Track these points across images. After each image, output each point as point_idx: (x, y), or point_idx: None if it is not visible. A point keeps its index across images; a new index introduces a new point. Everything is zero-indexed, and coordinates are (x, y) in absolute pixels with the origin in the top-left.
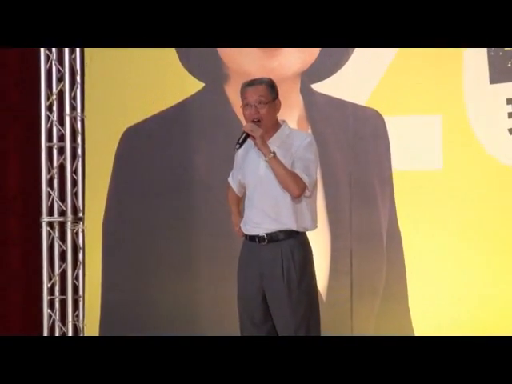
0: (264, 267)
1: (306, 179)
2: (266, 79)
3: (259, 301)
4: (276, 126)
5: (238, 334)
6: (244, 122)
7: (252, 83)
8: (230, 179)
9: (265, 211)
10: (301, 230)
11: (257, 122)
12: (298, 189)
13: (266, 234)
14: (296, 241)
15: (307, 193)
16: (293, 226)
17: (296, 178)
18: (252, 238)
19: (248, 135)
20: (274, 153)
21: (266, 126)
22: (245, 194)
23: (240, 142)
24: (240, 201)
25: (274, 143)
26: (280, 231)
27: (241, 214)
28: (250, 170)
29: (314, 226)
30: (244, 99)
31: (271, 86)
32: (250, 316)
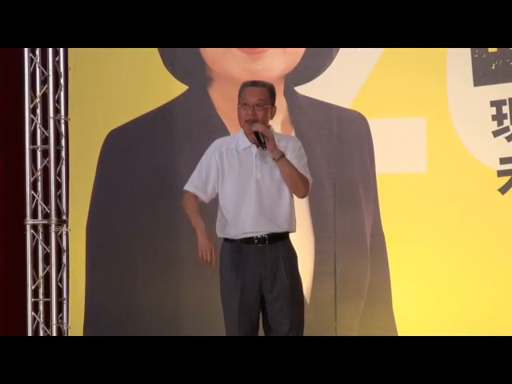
0: (264, 269)
1: (309, 179)
2: (269, 83)
3: (257, 305)
4: None
5: (220, 335)
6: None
7: (254, 84)
8: (191, 188)
9: (263, 214)
10: (290, 230)
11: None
12: (305, 188)
13: (267, 235)
14: (289, 242)
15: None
16: (288, 228)
17: (304, 177)
18: (249, 241)
19: (263, 135)
20: (283, 153)
21: None
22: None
23: (262, 142)
24: (200, 209)
25: None
26: (278, 233)
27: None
28: (244, 174)
29: (295, 227)
30: (242, 98)
31: (272, 92)
32: (248, 321)
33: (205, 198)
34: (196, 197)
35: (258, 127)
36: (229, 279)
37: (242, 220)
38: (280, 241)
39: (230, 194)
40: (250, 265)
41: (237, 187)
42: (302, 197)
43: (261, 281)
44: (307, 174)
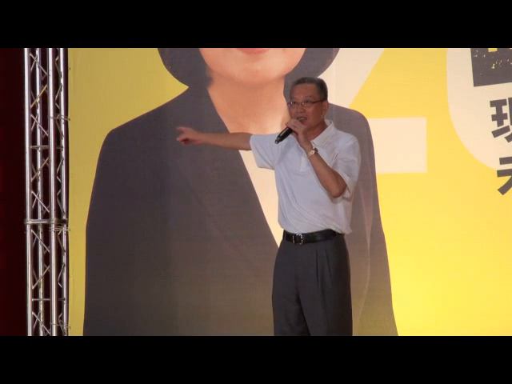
0: (298, 268)
1: (346, 179)
2: (316, 79)
3: (293, 301)
4: (322, 126)
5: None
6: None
7: (302, 81)
8: (252, 138)
9: (303, 212)
10: (338, 231)
11: (302, 120)
12: (337, 187)
13: (303, 234)
14: (332, 242)
15: (347, 193)
16: (330, 227)
17: (337, 176)
18: (289, 238)
19: (290, 130)
20: (316, 149)
21: (310, 125)
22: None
23: (281, 135)
24: (234, 144)
25: (318, 143)
26: (317, 232)
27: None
28: (291, 167)
29: (349, 229)
30: (291, 97)
31: (321, 86)
32: (285, 315)
33: (251, 148)
34: (246, 140)
35: (289, 122)
36: (274, 275)
37: (289, 215)
38: (322, 240)
39: (279, 186)
40: (286, 263)
41: (286, 180)
42: (335, 196)
43: (296, 280)
44: (348, 173)
